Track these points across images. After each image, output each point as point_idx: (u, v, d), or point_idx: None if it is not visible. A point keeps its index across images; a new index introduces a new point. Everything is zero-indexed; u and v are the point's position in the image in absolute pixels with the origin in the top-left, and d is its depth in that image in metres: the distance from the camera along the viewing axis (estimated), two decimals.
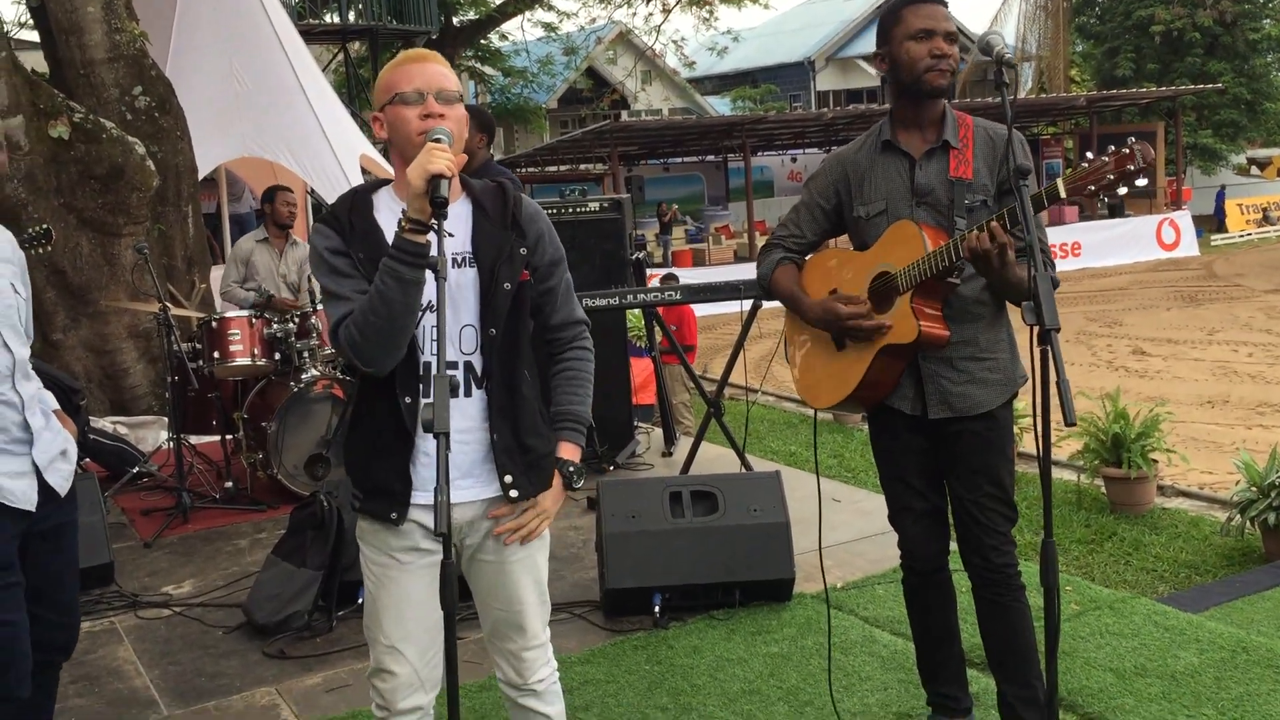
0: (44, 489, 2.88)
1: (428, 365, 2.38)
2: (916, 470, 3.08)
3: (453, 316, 2.37)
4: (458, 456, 2.40)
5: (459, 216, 2.42)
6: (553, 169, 26.28)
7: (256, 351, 6.01)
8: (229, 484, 6.21)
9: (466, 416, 2.41)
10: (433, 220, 2.19)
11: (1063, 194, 2.54)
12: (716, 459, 6.28)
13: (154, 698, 3.92)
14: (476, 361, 2.42)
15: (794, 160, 27.52)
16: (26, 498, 2.84)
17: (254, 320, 6.04)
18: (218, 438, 6.41)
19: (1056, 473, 6.81)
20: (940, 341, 2.90)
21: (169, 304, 6.05)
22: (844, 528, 5.19)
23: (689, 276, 16.30)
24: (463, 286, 2.39)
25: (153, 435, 7.32)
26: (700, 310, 10.52)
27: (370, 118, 2.47)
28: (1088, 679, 3.65)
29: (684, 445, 6.51)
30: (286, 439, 5.89)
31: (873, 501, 5.60)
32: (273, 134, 10.18)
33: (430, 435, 2.13)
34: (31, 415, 2.87)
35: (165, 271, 8.00)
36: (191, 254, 8.40)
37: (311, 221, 11.75)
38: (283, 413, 5.85)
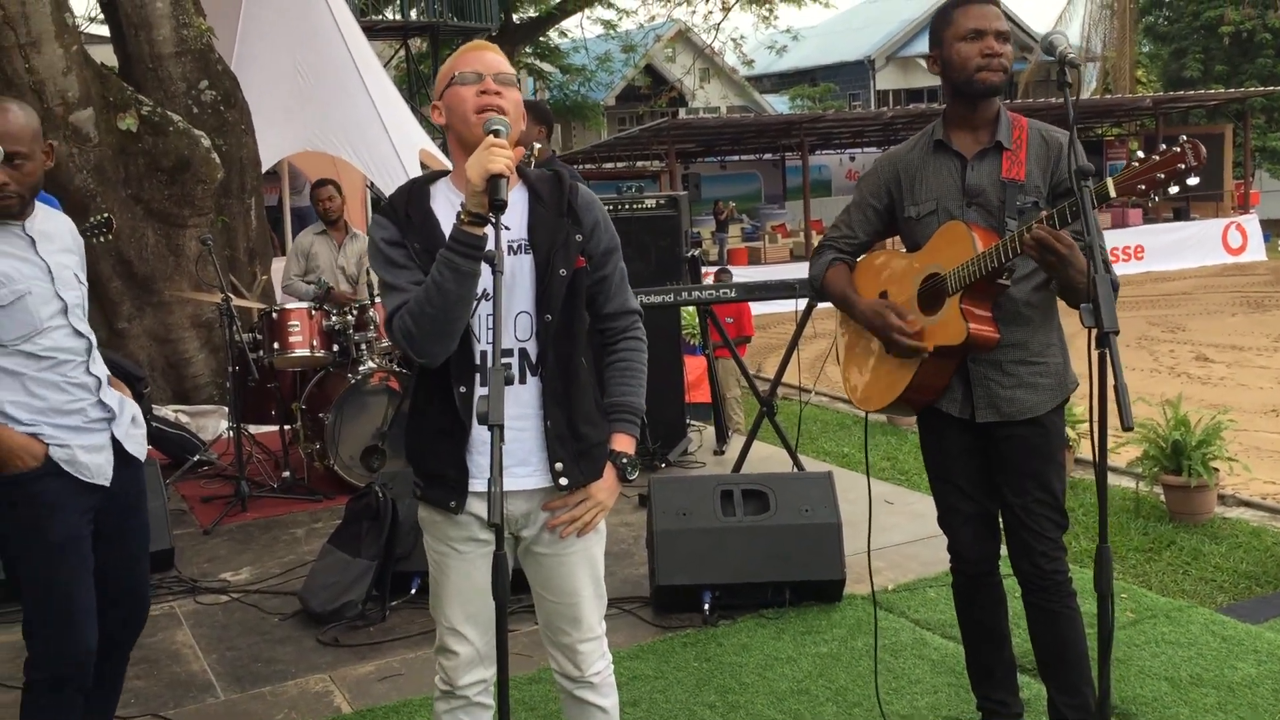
0: (121, 456, 2.96)
1: (483, 354, 2.41)
2: (965, 473, 3.06)
3: (508, 303, 2.40)
4: (512, 443, 2.42)
5: (515, 204, 2.44)
6: (610, 166, 26.33)
7: (315, 343, 6.09)
8: (287, 473, 6.31)
9: (521, 403, 2.43)
10: (490, 215, 2.21)
11: (1112, 193, 2.51)
12: (768, 458, 6.27)
13: (211, 681, 4.00)
14: (531, 348, 2.44)
15: (852, 159, 27.36)
16: (102, 472, 2.90)
17: (313, 312, 6.13)
18: (276, 428, 6.51)
19: (1115, 480, 6.71)
20: (989, 343, 2.88)
21: (231, 295, 6.15)
22: (896, 530, 5.16)
23: (744, 275, 16.26)
24: (518, 273, 2.41)
25: (213, 424, 7.45)
26: (756, 309, 10.51)
27: (430, 108, 2.49)
28: (1142, 688, 3.60)
29: (736, 444, 6.51)
30: (343, 430, 5.96)
31: (925, 504, 5.55)
32: (334, 128, 10.31)
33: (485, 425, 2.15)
34: (106, 395, 2.94)
35: (227, 263, 8.14)
36: (253, 246, 8.53)
37: (370, 215, 11.89)
38: (340, 404, 5.93)
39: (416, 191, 2.47)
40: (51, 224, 2.95)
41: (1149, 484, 6.44)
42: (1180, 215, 23.25)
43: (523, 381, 2.44)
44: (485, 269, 2.26)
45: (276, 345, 6.07)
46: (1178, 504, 6.25)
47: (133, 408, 3.07)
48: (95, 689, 3.01)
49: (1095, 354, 2.18)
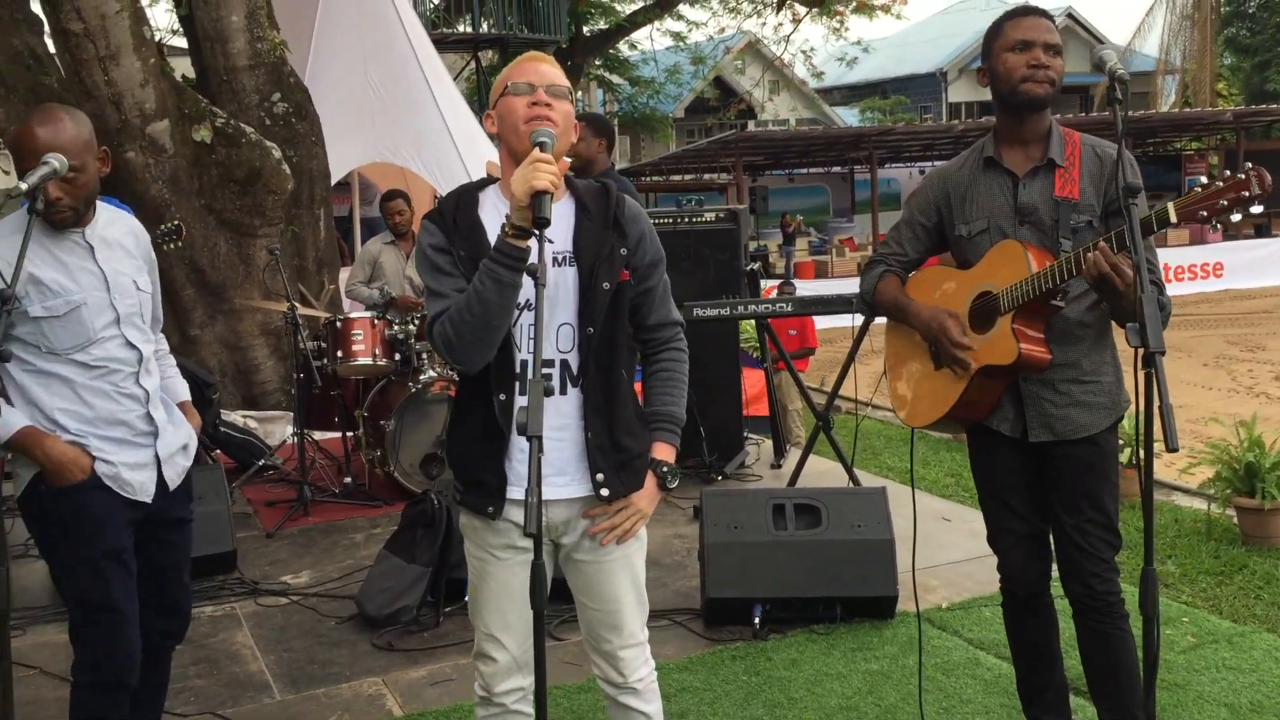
0: (161, 482, 2.97)
1: (523, 364, 2.43)
2: (1017, 492, 3.02)
3: (550, 314, 2.42)
4: (552, 454, 2.44)
5: (562, 216, 2.46)
6: (677, 178, 26.37)
7: (378, 352, 6.19)
8: (348, 479, 6.41)
9: (562, 414, 2.45)
10: (535, 229, 2.24)
11: (1173, 218, 2.48)
12: (825, 473, 6.24)
13: (268, 682, 4.07)
14: (573, 360, 2.45)
15: (922, 173, 27.08)
16: (145, 489, 2.93)
17: (376, 321, 6.22)
18: (339, 434, 6.62)
19: (1186, 501, 6.56)
20: (1041, 364, 2.84)
21: (297, 303, 6.27)
22: (953, 548, 5.10)
23: (810, 288, 16.18)
24: (562, 285, 2.43)
25: (280, 429, 7.59)
26: (822, 322, 10.44)
27: (485, 117, 2.52)
28: (1200, 713, 3.53)
29: (794, 458, 6.48)
30: (404, 437, 6.04)
31: (983, 522, 5.48)
32: (404, 140, 10.48)
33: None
34: (155, 409, 2.96)
35: (296, 272, 8.30)
36: (322, 255, 8.69)
37: None
38: (401, 412, 6.01)
39: (465, 198, 2.51)
40: (114, 229, 2.96)
41: (1221, 505, 6.29)
42: (1261, 232, 22.70)
43: (563, 393, 2.46)
44: (527, 279, 2.28)
45: (340, 353, 6.18)
46: (1251, 527, 6.10)
47: (188, 436, 3.09)
48: (141, 690, 3.07)
49: (1141, 374, 2.15)
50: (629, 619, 2.57)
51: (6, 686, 2.34)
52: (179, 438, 3.05)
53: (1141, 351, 2.18)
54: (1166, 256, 21.05)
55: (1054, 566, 3.07)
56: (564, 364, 2.46)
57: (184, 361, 6.66)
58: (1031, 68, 2.79)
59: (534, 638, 2.20)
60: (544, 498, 2.43)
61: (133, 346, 2.92)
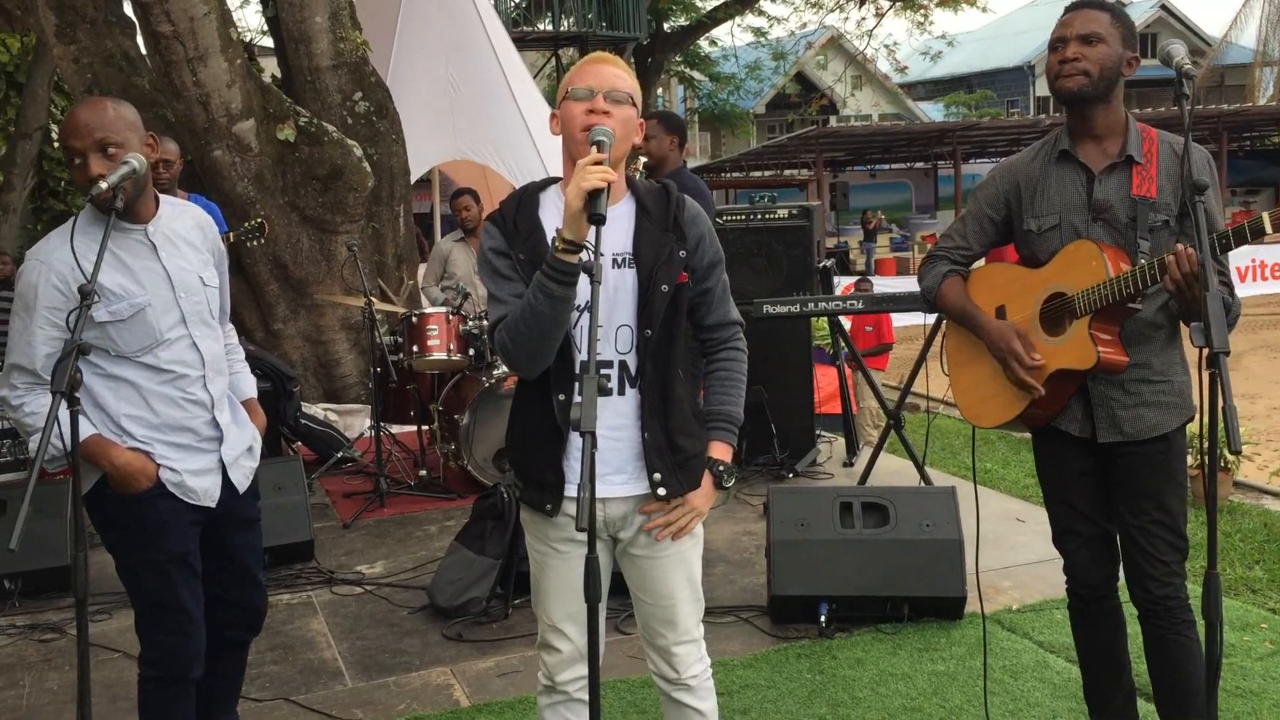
0: (227, 483, 2.98)
1: (583, 364, 2.45)
2: (1083, 494, 2.97)
3: (609, 316, 2.44)
4: (609, 453, 2.47)
5: (622, 217, 2.47)
6: (757, 174, 26.28)
7: (452, 346, 6.27)
8: (423, 472, 6.51)
9: (619, 414, 2.47)
10: (587, 241, 2.24)
11: (1268, 228, 2.41)
12: (897, 471, 6.19)
13: (340, 669, 4.16)
14: (631, 361, 2.47)
15: None
16: (209, 495, 2.94)
17: (451, 316, 6.31)
18: (415, 428, 6.72)
19: (1273, 504, 6.39)
20: (1119, 368, 2.79)
21: (375, 299, 6.39)
22: (1025, 549, 5.03)
23: (891, 285, 16.04)
24: (621, 287, 2.45)
25: (359, 423, 7.74)
26: (902, 320, 10.34)
27: (550, 118, 2.54)
28: None
29: (867, 456, 6.43)
30: (477, 432, 6.12)
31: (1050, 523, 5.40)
32: (484, 138, 10.60)
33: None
34: (220, 413, 2.95)
35: (376, 268, 8.45)
36: (401, 252, 8.82)
37: None
38: (474, 406, 6.09)
39: (526, 199, 2.53)
40: (179, 223, 2.91)
41: None
42: None
43: (621, 393, 2.48)
44: (584, 281, 2.30)
45: (415, 348, 6.28)
46: None
47: (252, 438, 3.08)
48: (217, 682, 3.14)
49: (1206, 374, 2.11)
50: (683, 615, 2.59)
51: (85, 667, 2.42)
52: (243, 440, 3.04)
53: (1206, 352, 2.13)
54: (1262, 254, 20.44)
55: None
56: (622, 365, 2.48)
57: (266, 356, 6.86)
58: (1061, 63, 2.76)
59: (588, 631, 2.23)
60: (602, 495, 2.48)
61: (195, 348, 2.88)
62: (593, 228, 2.24)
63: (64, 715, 3.84)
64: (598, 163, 2.26)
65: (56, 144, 14.76)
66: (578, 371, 2.45)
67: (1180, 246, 2.53)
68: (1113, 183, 2.81)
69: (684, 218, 2.53)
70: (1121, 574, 3.00)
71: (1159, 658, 2.90)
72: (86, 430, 2.73)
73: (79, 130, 2.69)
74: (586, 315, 2.40)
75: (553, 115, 2.54)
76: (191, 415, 2.89)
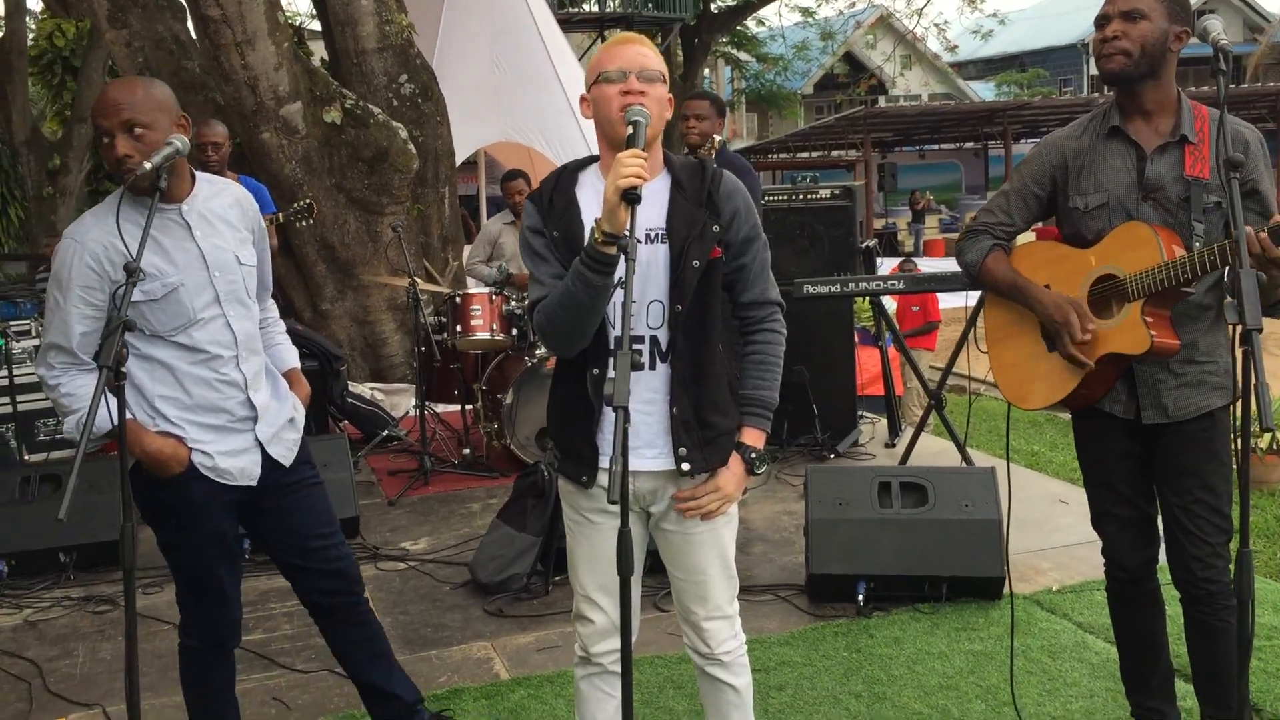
0: (269, 459, 2.96)
1: (617, 340, 2.48)
2: (1124, 476, 2.94)
3: (642, 291, 2.46)
4: (640, 427, 2.50)
5: (657, 193, 2.48)
6: (805, 155, 26.14)
7: (495, 326, 6.33)
8: (467, 451, 6.59)
9: (650, 389, 2.50)
10: (625, 233, 2.25)
11: None
12: (939, 453, 6.17)
13: None
14: (662, 336, 2.49)
15: None
16: (247, 474, 2.92)
17: (494, 297, 6.37)
18: (459, 407, 6.80)
19: None
20: (1171, 352, 2.75)
21: (420, 280, 6.46)
22: (1067, 530, 5.00)
23: (939, 266, 15.90)
24: (653, 263, 2.46)
25: (405, 402, 7.84)
26: (950, 300, 10.25)
27: (580, 101, 2.55)
28: None
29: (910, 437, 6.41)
30: (520, 411, 6.18)
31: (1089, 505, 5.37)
32: (529, 120, 10.65)
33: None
34: (255, 393, 2.92)
35: (422, 249, 8.53)
36: (447, 233, 8.90)
37: None
38: (517, 386, 6.14)
39: (564, 178, 2.56)
40: (216, 201, 2.89)
41: None
42: None
43: (652, 368, 2.50)
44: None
45: (459, 328, 6.34)
46: None
47: (293, 409, 3.05)
48: (349, 651, 3.21)
49: (1239, 352, 2.09)
50: (714, 591, 2.61)
51: (132, 635, 2.48)
52: (282, 414, 3.01)
53: (1239, 329, 2.12)
54: None
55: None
56: (654, 340, 2.50)
57: (314, 336, 6.96)
58: (1101, 43, 2.72)
59: (620, 604, 2.26)
60: (632, 468, 2.50)
61: (229, 328, 2.87)
62: (626, 242, 2.25)
63: (116, 683, 3.95)
64: (635, 156, 2.28)
65: None
66: (612, 347, 2.48)
67: (1250, 231, 2.43)
68: (1165, 162, 2.75)
69: (719, 192, 2.53)
70: (1162, 556, 2.98)
71: (1200, 642, 2.87)
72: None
73: (107, 109, 2.69)
74: (620, 291, 2.42)
75: (583, 99, 2.55)
76: (225, 396, 2.88)
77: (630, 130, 2.39)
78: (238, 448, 2.91)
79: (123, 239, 2.66)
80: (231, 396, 2.89)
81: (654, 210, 2.48)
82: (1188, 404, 2.81)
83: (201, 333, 2.82)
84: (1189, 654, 2.95)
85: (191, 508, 2.89)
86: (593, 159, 2.63)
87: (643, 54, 2.49)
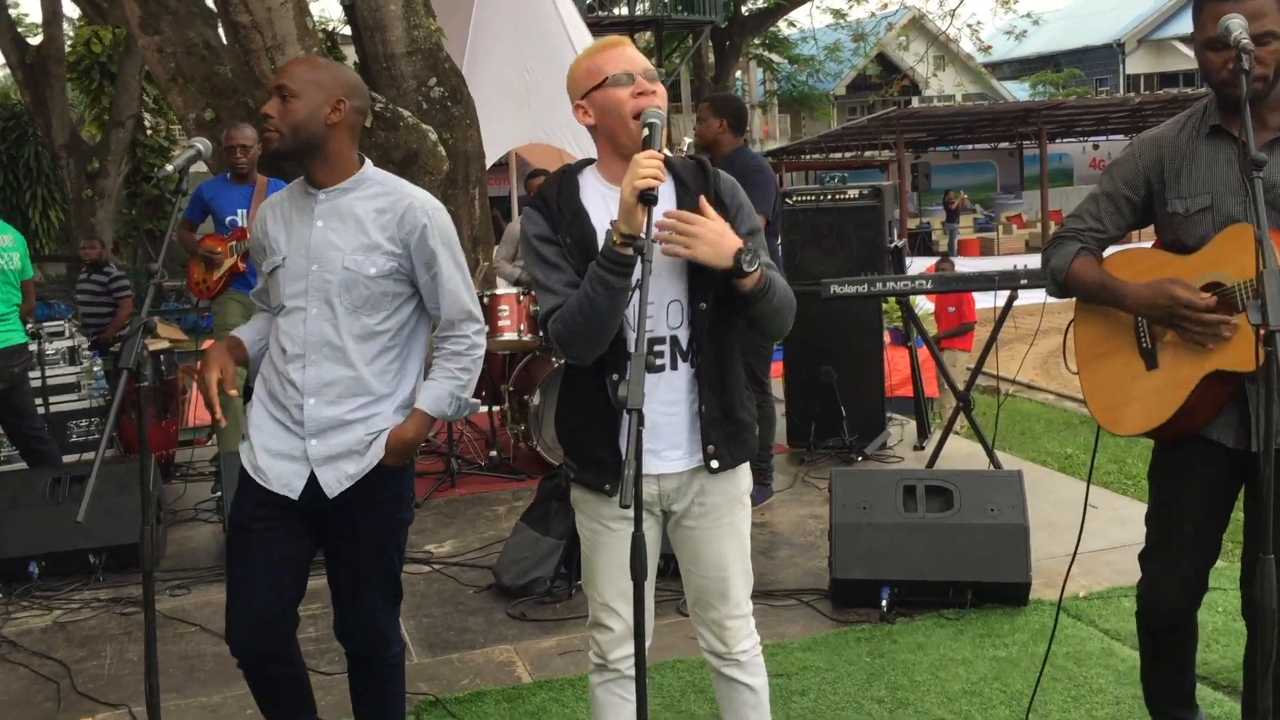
0: (315, 483, 2.77)
1: (635, 343, 2.47)
2: (1202, 514, 2.72)
3: (659, 293, 2.44)
4: (665, 429, 2.49)
5: (664, 195, 2.46)
6: (837, 156, 26.05)
7: (523, 327, 6.33)
8: (494, 453, 6.60)
9: (673, 389, 2.49)
10: (642, 234, 2.24)
11: None
12: (968, 456, 6.12)
13: (407, 645, 4.20)
14: (683, 335, 2.49)
15: (1095, 147, 26.14)
16: (285, 483, 2.77)
17: (521, 298, 6.37)
18: (486, 408, 6.81)
19: None
20: None
21: None
22: (1096, 535, 4.94)
23: (974, 266, 15.79)
24: (669, 263, 2.45)
25: None
26: (985, 300, 10.18)
27: (573, 107, 2.52)
28: None
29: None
30: (547, 412, 6.17)
31: (1132, 509, 5.30)
32: (558, 121, 10.65)
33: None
34: (312, 402, 2.75)
35: None
36: (476, 234, 8.91)
37: None
38: (544, 387, 6.15)
39: (566, 183, 2.55)
40: (369, 203, 2.78)
41: None
42: None
43: (674, 368, 2.49)
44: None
45: (487, 329, 6.33)
46: None
47: (359, 444, 2.77)
48: (366, 703, 3.06)
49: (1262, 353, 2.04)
50: (735, 588, 2.60)
51: (152, 635, 2.50)
52: (346, 441, 2.77)
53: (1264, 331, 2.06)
54: None
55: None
56: (674, 340, 2.49)
57: None
58: (1230, 71, 2.42)
59: (634, 606, 2.25)
60: (658, 471, 2.51)
61: (306, 327, 2.75)
62: (645, 215, 2.26)
63: (142, 684, 3.94)
64: (652, 157, 2.28)
65: (150, 131, 15.22)
66: (630, 350, 2.46)
67: None
68: (1275, 161, 2.52)
69: (723, 190, 2.54)
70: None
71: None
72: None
73: (277, 74, 2.78)
74: (636, 294, 2.41)
75: (578, 106, 2.51)
76: (285, 393, 2.78)
77: (646, 132, 2.39)
78: (285, 450, 2.78)
79: (271, 217, 2.86)
80: (290, 398, 2.77)
81: (662, 210, 2.47)
82: None
83: (285, 321, 2.78)
84: (1247, 677, 2.84)
85: (240, 488, 2.85)
86: (586, 162, 2.62)
87: (638, 55, 2.53)
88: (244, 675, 2.96)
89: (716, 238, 2.35)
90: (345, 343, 2.75)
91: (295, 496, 2.77)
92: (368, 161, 2.85)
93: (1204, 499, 2.72)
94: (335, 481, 2.77)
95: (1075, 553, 3.26)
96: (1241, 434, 2.61)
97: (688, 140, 5.46)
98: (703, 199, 2.42)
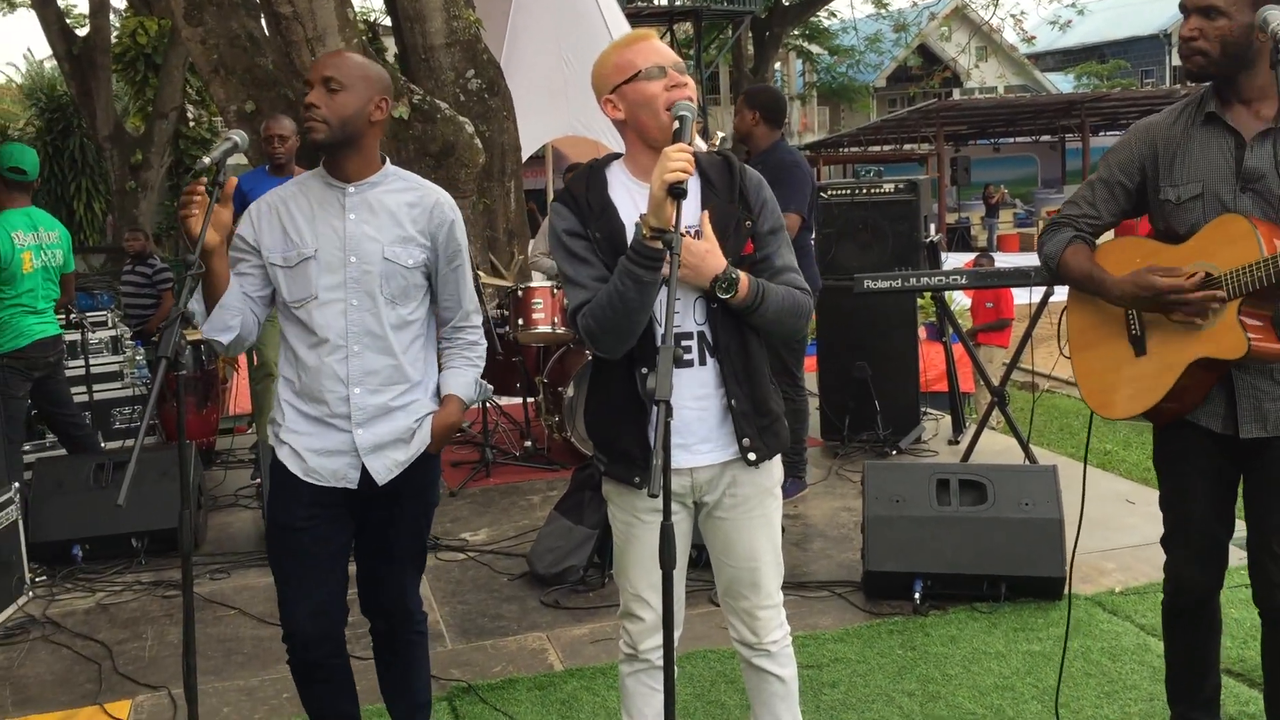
0: (365, 472, 2.82)
1: (663, 337, 2.48)
2: (1208, 495, 2.77)
3: (684, 288, 2.46)
4: (695, 423, 2.51)
5: (690, 190, 2.48)
6: (876, 149, 25.89)
7: (557, 320, 6.36)
8: (528, 443, 6.64)
9: (702, 384, 2.51)
10: (671, 228, 2.25)
11: None
12: (1003, 451, 6.09)
13: (442, 631, 4.29)
14: (709, 331, 2.51)
15: None
16: (341, 476, 2.81)
17: (556, 290, 6.40)
18: (521, 399, 6.85)
19: None
20: (1272, 357, 2.56)
21: (485, 273, 6.51)
22: (1132, 531, 4.91)
23: (1013, 262, 15.68)
24: None
25: None
26: (1022, 297, 10.12)
27: (603, 102, 2.54)
28: None
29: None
30: (580, 404, 6.20)
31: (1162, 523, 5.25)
32: (595, 113, 10.61)
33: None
34: (361, 393, 2.78)
35: (488, 243, 8.60)
36: (512, 227, 8.97)
37: None
38: (578, 379, 6.18)
39: (594, 178, 2.56)
40: (397, 197, 2.82)
41: None
42: None
43: (702, 363, 2.51)
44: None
45: (521, 321, 6.39)
46: None
47: (406, 430, 2.83)
48: (385, 663, 3.10)
49: None
50: (767, 578, 2.62)
51: (190, 618, 2.54)
52: (392, 429, 2.82)
53: None
54: None
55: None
56: (700, 335, 2.51)
57: None
58: (1182, 40, 2.57)
59: (663, 596, 2.27)
60: (690, 465, 2.53)
61: (348, 318, 2.77)
62: (675, 208, 2.28)
63: (181, 667, 4.04)
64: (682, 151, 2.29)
65: (192, 123, 15.39)
66: (659, 344, 2.48)
67: None
68: (1267, 150, 2.55)
69: (748, 187, 2.56)
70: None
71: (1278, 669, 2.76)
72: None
73: (318, 65, 2.76)
74: (664, 288, 2.43)
75: (606, 100, 2.53)
76: (325, 387, 2.78)
77: (677, 124, 2.40)
78: (332, 447, 2.80)
79: (267, 211, 2.84)
80: (331, 390, 2.77)
81: (689, 208, 2.47)
82: None
83: (320, 313, 2.76)
84: (1267, 675, 2.83)
85: (278, 489, 2.87)
86: (613, 157, 2.64)
87: (667, 48, 2.54)
88: (293, 669, 2.99)
89: (696, 261, 2.39)
90: (386, 332, 2.79)
91: (355, 486, 2.82)
92: (387, 158, 2.90)
93: (1206, 479, 2.77)
94: (385, 470, 2.82)
95: (1078, 532, 3.23)
96: (1229, 420, 2.66)
97: (720, 134, 5.44)
98: (704, 215, 2.44)
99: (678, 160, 2.28)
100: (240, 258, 2.83)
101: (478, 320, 3.03)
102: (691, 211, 2.48)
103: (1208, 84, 2.68)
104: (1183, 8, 2.59)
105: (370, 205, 2.80)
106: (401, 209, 2.81)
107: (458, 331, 2.99)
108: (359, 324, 2.78)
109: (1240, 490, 2.82)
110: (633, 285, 2.35)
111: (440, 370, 2.98)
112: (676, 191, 2.27)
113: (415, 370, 2.86)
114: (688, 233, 2.46)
